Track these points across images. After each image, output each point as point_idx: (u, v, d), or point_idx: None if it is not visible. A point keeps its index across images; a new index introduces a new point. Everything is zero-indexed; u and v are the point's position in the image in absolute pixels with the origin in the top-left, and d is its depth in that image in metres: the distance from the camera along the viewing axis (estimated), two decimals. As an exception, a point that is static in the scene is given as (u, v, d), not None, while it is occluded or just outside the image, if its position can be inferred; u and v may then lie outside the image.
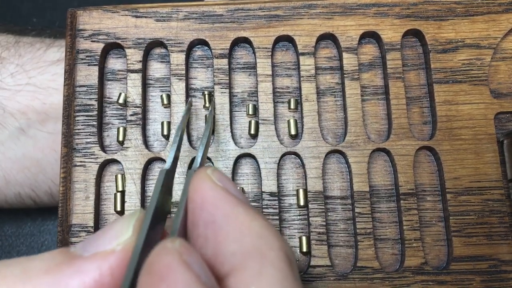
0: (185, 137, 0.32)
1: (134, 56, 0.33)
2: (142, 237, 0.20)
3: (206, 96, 0.33)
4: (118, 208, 0.31)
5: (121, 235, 0.21)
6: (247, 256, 0.20)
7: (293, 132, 0.32)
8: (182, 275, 0.18)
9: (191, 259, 0.19)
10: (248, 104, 0.33)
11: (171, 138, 0.32)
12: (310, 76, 0.33)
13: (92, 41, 0.33)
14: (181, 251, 0.19)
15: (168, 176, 0.23)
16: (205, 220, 0.21)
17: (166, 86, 0.33)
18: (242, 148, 0.32)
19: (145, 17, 0.33)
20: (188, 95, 0.33)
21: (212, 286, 0.19)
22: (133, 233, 0.21)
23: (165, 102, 0.33)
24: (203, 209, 0.21)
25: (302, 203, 0.31)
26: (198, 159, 0.26)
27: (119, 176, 0.32)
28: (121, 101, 0.33)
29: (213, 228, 0.21)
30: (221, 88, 0.33)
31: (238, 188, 0.31)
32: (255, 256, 0.20)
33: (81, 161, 0.32)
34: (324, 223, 0.31)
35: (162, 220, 0.23)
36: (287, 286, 0.19)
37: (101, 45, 0.33)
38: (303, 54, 0.33)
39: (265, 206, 0.31)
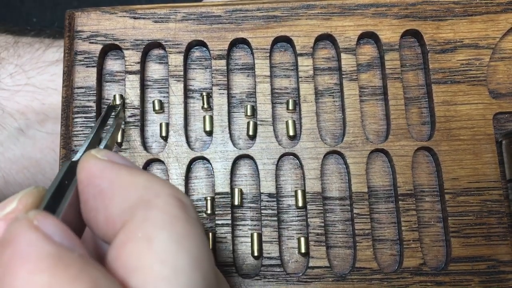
0: (183, 139, 0.32)
1: (132, 57, 0.33)
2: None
3: (204, 97, 0.33)
4: (117, 210, 0.31)
5: (5, 207, 0.21)
6: (134, 208, 0.20)
7: (291, 133, 0.32)
8: (28, 235, 0.18)
9: (43, 223, 0.19)
10: (247, 105, 0.33)
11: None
12: (308, 77, 0.33)
13: (90, 43, 0.33)
14: (32, 218, 0.19)
15: (71, 168, 0.23)
16: (93, 193, 0.21)
17: (164, 88, 0.33)
18: (240, 149, 0.32)
19: (143, 18, 0.33)
20: (186, 96, 0.33)
21: (73, 248, 0.19)
22: (17, 205, 0.21)
23: (157, 108, 0.33)
24: (89, 184, 0.21)
25: (300, 204, 0.31)
26: (82, 150, 0.26)
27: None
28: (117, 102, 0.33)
29: (101, 197, 0.21)
30: (220, 89, 0.33)
31: (181, 189, 0.31)
32: (141, 205, 0.20)
33: (79, 163, 0.31)
34: (323, 224, 0.31)
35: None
36: (179, 227, 0.19)
37: (99, 47, 0.33)
38: (301, 54, 0.33)
39: (263, 207, 0.31)
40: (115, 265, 0.19)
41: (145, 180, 0.21)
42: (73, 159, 0.24)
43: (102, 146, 0.27)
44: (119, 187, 0.21)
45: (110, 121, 0.31)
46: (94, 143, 0.27)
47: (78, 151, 0.27)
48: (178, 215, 0.20)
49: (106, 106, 0.31)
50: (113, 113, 0.31)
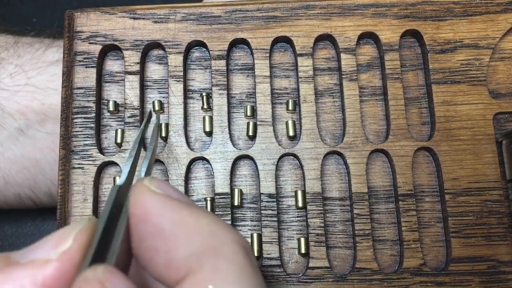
0: (183, 139, 0.32)
1: (132, 58, 0.33)
2: (90, 253, 0.19)
3: (204, 97, 0.33)
4: (117, 210, 0.31)
5: (59, 245, 0.20)
6: (201, 255, 0.19)
7: (291, 133, 0.32)
8: None
9: (114, 284, 0.18)
10: (246, 106, 0.33)
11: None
12: (308, 77, 0.33)
13: (89, 43, 0.33)
14: (104, 279, 0.18)
15: (120, 193, 0.22)
16: (152, 231, 0.20)
17: (164, 88, 0.33)
18: (240, 149, 0.32)
19: (143, 18, 0.33)
20: (186, 97, 0.33)
21: None
22: (73, 244, 0.20)
23: (157, 108, 0.33)
24: (147, 221, 0.20)
25: (300, 204, 0.31)
26: (126, 171, 0.25)
27: (117, 179, 0.32)
28: (111, 108, 0.32)
29: (162, 238, 0.20)
30: (219, 90, 0.33)
31: (181, 190, 0.31)
32: (209, 253, 0.19)
33: (79, 164, 0.31)
34: (323, 225, 0.31)
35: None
36: (246, 278, 0.19)
37: (99, 47, 0.33)
38: (301, 55, 0.33)
39: (263, 208, 0.31)
40: None
41: (209, 224, 0.20)
42: (119, 183, 0.23)
43: (144, 167, 0.26)
44: (182, 230, 0.20)
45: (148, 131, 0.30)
46: (135, 160, 0.26)
47: (122, 172, 0.25)
48: (245, 266, 0.19)
49: (146, 114, 0.30)
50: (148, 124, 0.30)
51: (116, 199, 0.22)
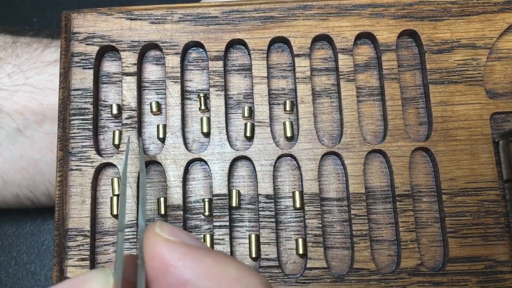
0: (180, 141, 0.32)
1: (129, 59, 0.33)
2: None
3: (202, 98, 0.33)
4: (115, 212, 0.31)
5: None
6: None
7: (289, 134, 0.32)
8: None
9: None
10: (244, 106, 0.33)
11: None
12: (305, 78, 0.33)
13: (86, 44, 0.33)
14: None
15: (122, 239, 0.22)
16: (174, 283, 0.19)
17: (161, 89, 0.33)
18: (238, 150, 0.32)
19: (140, 19, 0.33)
20: (183, 98, 0.33)
21: None
22: None
23: (154, 109, 0.33)
24: (168, 273, 0.19)
25: (298, 205, 0.31)
26: (140, 220, 0.24)
27: (115, 180, 0.32)
28: (115, 111, 0.33)
29: None
30: (217, 91, 0.33)
31: (179, 191, 0.31)
32: None
33: (77, 165, 0.32)
34: (320, 225, 0.31)
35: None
36: None
37: (96, 48, 0.33)
38: (298, 55, 0.33)
39: (261, 209, 0.31)
40: None
41: (235, 270, 0.20)
42: (119, 229, 0.22)
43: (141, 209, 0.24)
44: (209, 280, 0.19)
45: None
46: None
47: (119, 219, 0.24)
48: None
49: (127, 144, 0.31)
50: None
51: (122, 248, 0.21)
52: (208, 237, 0.31)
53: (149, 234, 0.20)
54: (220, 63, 0.33)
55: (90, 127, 0.32)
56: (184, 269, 0.19)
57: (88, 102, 0.32)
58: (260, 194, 0.31)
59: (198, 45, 0.34)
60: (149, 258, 0.20)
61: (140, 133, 0.33)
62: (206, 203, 0.31)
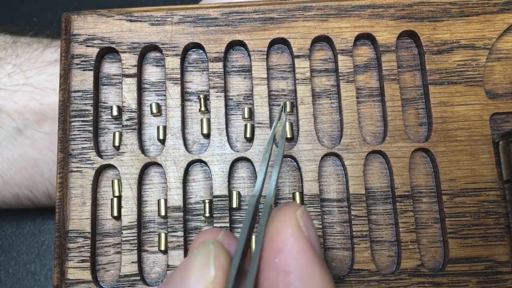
0: (180, 142, 0.32)
1: (129, 60, 0.33)
2: (233, 275, 0.19)
3: (202, 100, 0.33)
4: (115, 214, 0.31)
5: (204, 278, 0.19)
6: None
7: (288, 135, 0.32)
8: None
9: None
10: (244, 108, 0.33)
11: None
12: (305, 79, 0.33)
13: (87, 46, 0.33)
14: None
15: (257, 204, 0.21)
16: (279, 267, 0.19)
17: (161, 90, 0.33)
18: (238, 151, 0.32)
19: (140, 21, 0.33)
20: (183, 99, 0.33)
21: None
22: (216, 273, 0.19)
23: (154, 111, 0.33)
24: (280, 255, 0.20)
25: (298, 206, 0.31)
26: (272, 188, 0.24)
27: (116, 181, 0.32)
28: (115, 113, 0.33)
29: (285, 280, 0.19)
30: (217, 92, 0.33)
31: (179, 193, 0.31)
32: None
33: (77, 167, 0.32)
34: (321, 226, 0.31)
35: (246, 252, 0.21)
36: None
37: (96, 50, 0.33)
38: (298, 56, 0.33)
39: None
40: None
41: (325, 286, 0.19)
42: (256, 193, 0.22)
43: (275, 174, 0.25)
44: (303, 284, 0.19)
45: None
46: (268, 164, 0.25)
47: (257, 179, 0.25)
48: None
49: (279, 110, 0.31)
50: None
51: (254, 213, 0.21)
52: (208, 238, 0.31)
53: (288, 210, 0.20)
54: (220, 64, 0.33)
55: (90, 128, 0.32)
56: (294, 262, 0.19)
57: (88, 103, 0.32)
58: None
59: (198, 46, 0.34)
60: (274, 229, 0.20)
61: (140, 135, 0.33)
62: (207, 204, 0.31)
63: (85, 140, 0.32)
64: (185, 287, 0.19)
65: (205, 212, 0.31)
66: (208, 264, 0.19)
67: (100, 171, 0.32)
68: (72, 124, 0.32)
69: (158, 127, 0.32)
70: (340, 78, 0.33)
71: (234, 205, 0.31)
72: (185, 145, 0.32)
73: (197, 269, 0.19)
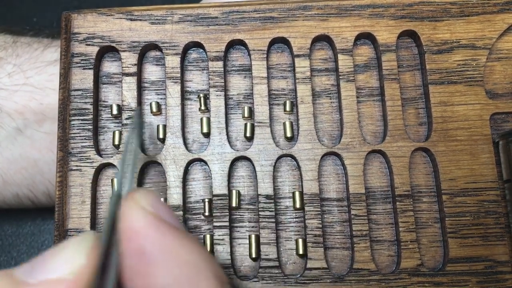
0: (180, 141, 0.32)
1: (129, 59, 0.33)
2: (97, 270, 0.19)
3: (202, 99, 0.33)
4: (115, 212, 0.31)
5: (73, 262, 0.19)
6: (178, 287, 0.19)
7: (288, 134, 0.32)
8: None
9: None
10: (244, 107, 0.33)
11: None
12: (305, 78, 0.33)
13: (87, 45, 0.33)
14: None
15: (118, 204, 0.21)
16: (134, 251, 0.19)
17: (161, 89, 0.33)
18: (238, 150, 0.32)
19: (140, 20, 0.33)
20: (183, 98, 0.33)
21: None
22: (87, 261, 0.19)
23: (154, 110, 0.33)
24: (131, 240, 0.20)
25: (298, 205, 0.31)
26: (127, 183, 0.24)
27: (115, 180, 0.32)
28: (115, 111, 0.33)
29: (143, 260, 0.19)
30: (217, 91, 0.33)
31: (179, 192, 0.31)
32: (186, 286, 0.19)
33: (77, 165, 0.32)
34: (320, 226, 0.31)
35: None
36: None
37: (96, 49, 0.33)
38: (298, 56, 0.33)
39: (261, 209, 0.31)
40: None
41: (191, 253, 0.20)
42: (116, 193, 0.22)
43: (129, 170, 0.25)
44: (164, 257, 0.19)
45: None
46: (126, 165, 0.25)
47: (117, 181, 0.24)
48: None
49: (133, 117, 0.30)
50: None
51: (115, 211, 0.21)
52: (208, 237, 0.31)
53: (129, 197, 0.20)
54: (220, 63, 0.33)
55: (90, 127, 0.32)
56: (145, 240, 0.19)
57: (88, 102, 0.32)
58: (260, 195, 0.31)
59: (198, 45, 0.34)
60: (121, 220, 0.20)
61: (140, 134, 0.33)
62: (206, 204, 0.31)
63: (85, 138, 0.32)
64: (49, 268, 0.19)
65: (204, 211, 0.31)
66: (80, 251, 0.19)
67: (99, 170, 0.32)
68: (72, 122, 0.32)
69: (158, 126, 0.32)
70: (340, 77, 0.33)
71: (234, 204, 0.31)
72: (185, 144, 0.32)
73: (68, 253, 0.19)
